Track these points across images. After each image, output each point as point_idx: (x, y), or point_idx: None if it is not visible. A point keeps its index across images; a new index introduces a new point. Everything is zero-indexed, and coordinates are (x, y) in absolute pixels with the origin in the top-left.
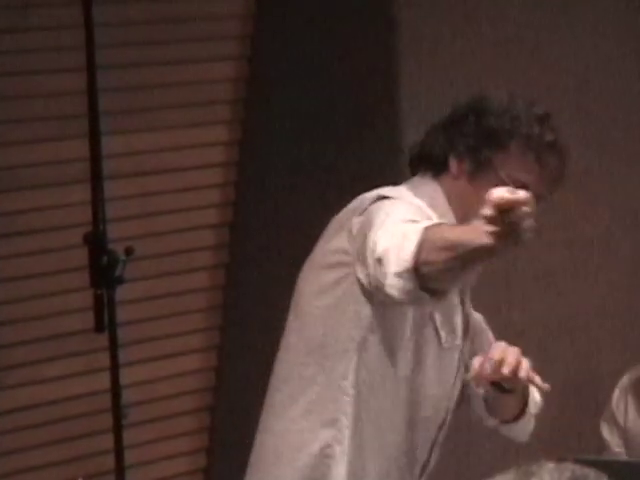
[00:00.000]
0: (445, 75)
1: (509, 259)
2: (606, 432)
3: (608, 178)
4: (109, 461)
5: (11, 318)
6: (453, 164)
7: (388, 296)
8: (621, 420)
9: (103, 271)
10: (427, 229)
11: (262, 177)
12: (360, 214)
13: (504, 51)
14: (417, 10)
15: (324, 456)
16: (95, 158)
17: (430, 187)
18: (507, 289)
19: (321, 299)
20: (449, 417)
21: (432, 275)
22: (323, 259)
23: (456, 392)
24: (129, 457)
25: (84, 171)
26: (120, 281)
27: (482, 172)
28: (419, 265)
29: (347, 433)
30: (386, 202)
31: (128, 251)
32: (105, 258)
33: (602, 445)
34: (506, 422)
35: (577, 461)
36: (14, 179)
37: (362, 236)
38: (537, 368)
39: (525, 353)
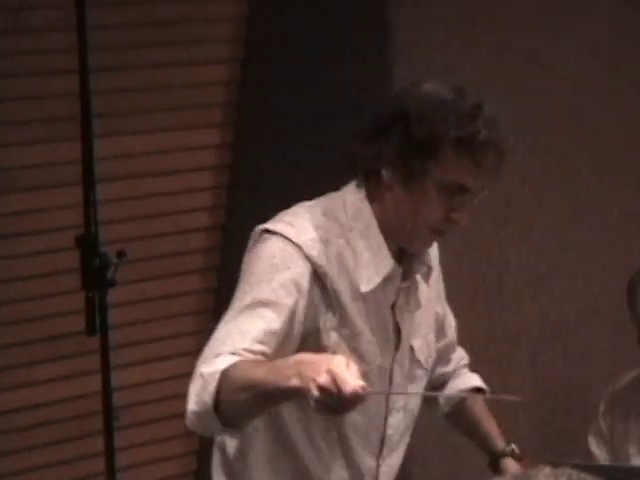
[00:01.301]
0: (438, 79)
1: (501, 263)
2: (594, 446)
3: (600, 182)
4: (100, 463)
5: (2, 320)
6: (385, 174)
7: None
8: (607, 434)
9: (95, 273)
10: (232, 367)
11: (254, 180)
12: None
13: (498, 55)
14: (411, 13)
15: None
16: (87, 160)
17: (356, 197)
18: (499, 293)
19: None
20: (394, 443)
21: (230, 414)
22: None
23: (397, 418)
24: (120, 459)
25: (76, 173)
26: (112, 284)
27: (415, 180)
28: (219, 404)
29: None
30: (257, 258)
31: (120, 254)
32: (97, 260)
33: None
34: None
35: (574, 466)
36: (6, 181)
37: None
38: (529, 372)
39: (517, 357)
